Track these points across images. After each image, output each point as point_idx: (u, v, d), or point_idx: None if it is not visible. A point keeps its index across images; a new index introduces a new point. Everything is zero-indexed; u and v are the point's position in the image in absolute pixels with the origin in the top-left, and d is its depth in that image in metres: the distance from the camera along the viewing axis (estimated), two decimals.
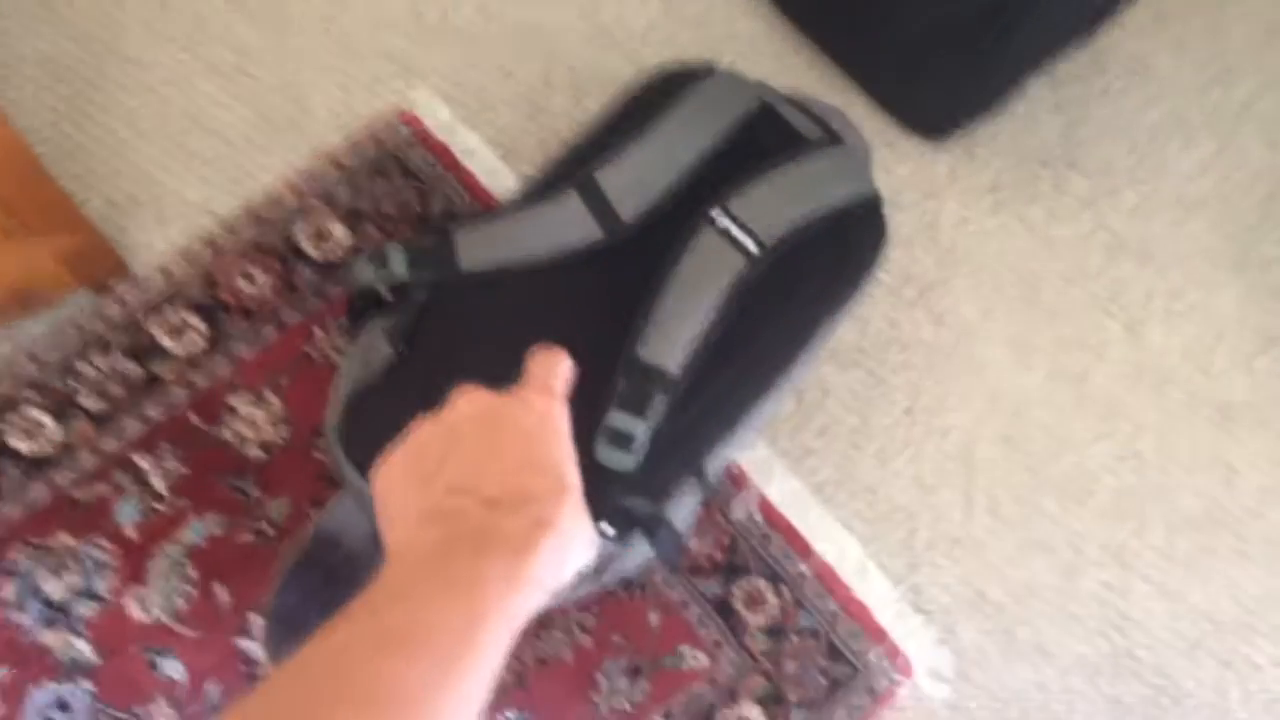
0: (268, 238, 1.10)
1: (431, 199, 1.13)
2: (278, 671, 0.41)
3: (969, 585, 1.05)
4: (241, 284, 1.08)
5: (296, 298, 1.08)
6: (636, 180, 0.86)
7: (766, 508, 1.05)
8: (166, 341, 1.05)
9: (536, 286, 0.85)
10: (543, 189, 0.89)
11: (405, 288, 0.86)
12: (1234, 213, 1.19)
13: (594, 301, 0.84)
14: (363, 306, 0.88)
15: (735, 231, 0.83)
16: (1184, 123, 1.22)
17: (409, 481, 0.50)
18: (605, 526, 0.79)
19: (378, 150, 1.14)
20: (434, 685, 0.41)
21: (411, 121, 1.15)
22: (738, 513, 1.04)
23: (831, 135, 0.94)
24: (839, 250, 0.89)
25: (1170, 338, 1.14)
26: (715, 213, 0.84)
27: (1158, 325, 1.14)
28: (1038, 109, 1.21)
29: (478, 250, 0.86)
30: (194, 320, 1.06)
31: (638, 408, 0.80)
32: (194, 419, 1.04)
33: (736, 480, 1.05)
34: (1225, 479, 1.10)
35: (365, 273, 0.86)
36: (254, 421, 1.04)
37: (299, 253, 1.10)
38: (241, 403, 1.04)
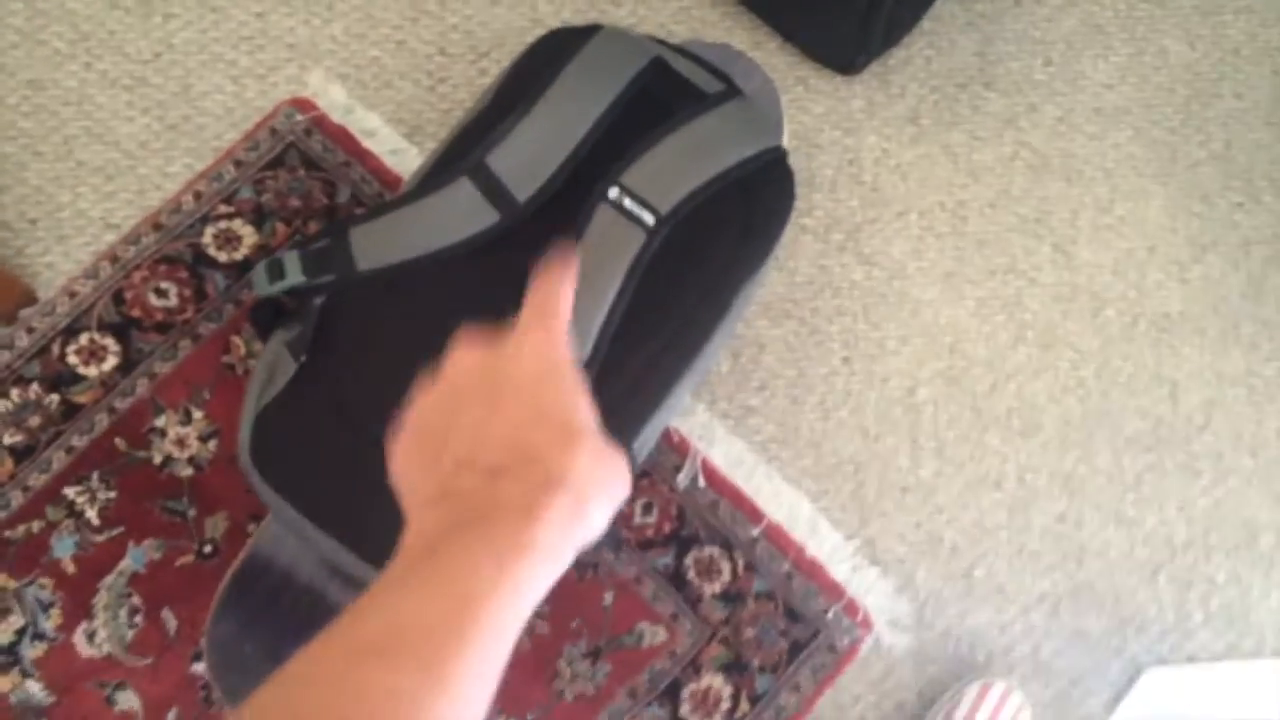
0: (173, 247, 1.05)
1: (337, 187, 1.09)
2: (259, 691, 0.39)
3: (922, 531, 1.05)
4: (152, 298, 1.04)
5: (209, 307, 1.04)
6: (529, 159, 0.83)
7: (711, 473, 1.04)
8: (81, 367, 1.02)
9: (436, 279, 0.82)
10: (435, 176, 0.85)
11: (305, 293, 0.83)
12: (1156, 118, 1.18)
13: (496, 289, 0.81)
14: (266, 318, 0.85)
15: (630, 205, 0.80)
16: (1099, 29, 1.20)
17: (417, 461, 0.48)
18: None
19: (274, 142, 1.09)
20: (420, 691, 0.39)
21: (305, 106, 1.10)
22: (683, 481, 1.03)
23: (730, 86, 0.90)
24: (748, 208, 0.86)
25: (1101, 254, 1.13)
26: (609, 188, 0.81)
27: (1087, 243, 1.13)
28: (950, 28, 1.18)
29: (374, 248, 0.83)
30: (106, 341, 1.03)
31: None
32: (119, 443, 1.01)
33: (678, 448, 1.04)
34: (1169, 396, 1.10)
35: (262, 284, 0.83)
36: (181, 439, 1.01)
37: (207, 259, 1.06)
38: (166, 421, 1.01)
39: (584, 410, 0.48)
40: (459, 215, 0.82)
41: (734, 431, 1.06)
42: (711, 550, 1.02)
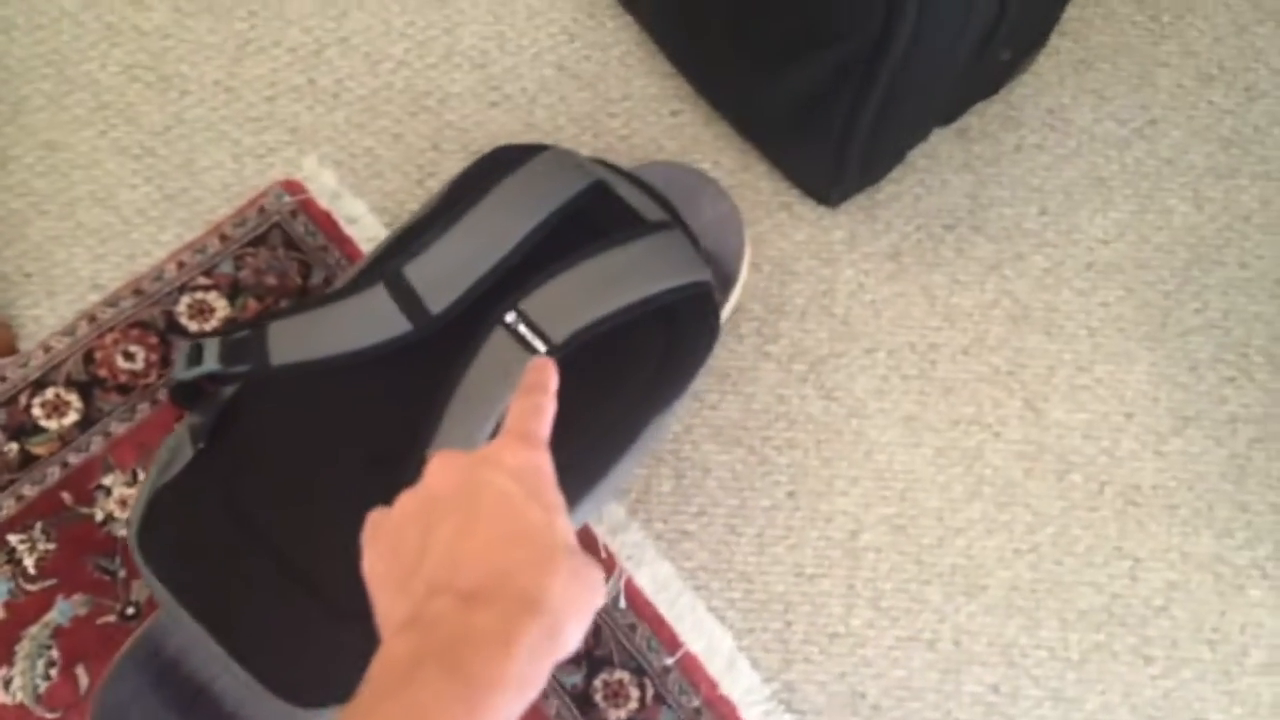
0: (148, 313, 1.10)
1: (312, 269, 1.12)
2: None
3: (845, 684, 1.01)
4: (119, 360, 1.08)
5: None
6: (446, 271, 0.85)
7: (634, 594, 1.02)
8: (44, 419, 1.06)
9: (344, 382, 0.84)
10: (359, 278, 0.87)
11: (220, 381, 0.85)
12: (1151, 279, 1.13)
13: (397, 399, 0.83)
14: (185, 399, 0.87)
15: (524, 330, 0.81)
16: (1101, 182, 1.16)
17: (390, 579, 0.48)
18: None
19: (261, 220, 1.13)
20: None
21: (294, 189, 1.14)
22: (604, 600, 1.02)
23: (672, 215, 0.91)
24: (667, 342, 0.86)
25: (1074, 415, 1.09)
26: (506, 312, 0.82)
27: (1061, 402, 1.09)
28: (944, 167, 1.17)
29: (288, 344, 0.85)
30: (71, 397, 1.07)
31: None
32: (66, 497, 1.04)
33: (605, 565, 1.03)
34: (1128, 572, 1.04)
35: (180, 368, 0.85)
36: (124, 500, 1.04)
37: (178, 327, 1.09)
38: (114, 481, 1.05)
39: (563, 524, 0.48)
40: (373, 321, 0.84)
41: (665, 554, 1.04)
42: (622, 675, 1.00)
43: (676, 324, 0.86)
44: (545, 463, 0.50)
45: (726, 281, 1.03)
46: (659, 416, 0.86)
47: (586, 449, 0.83)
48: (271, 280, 1.11)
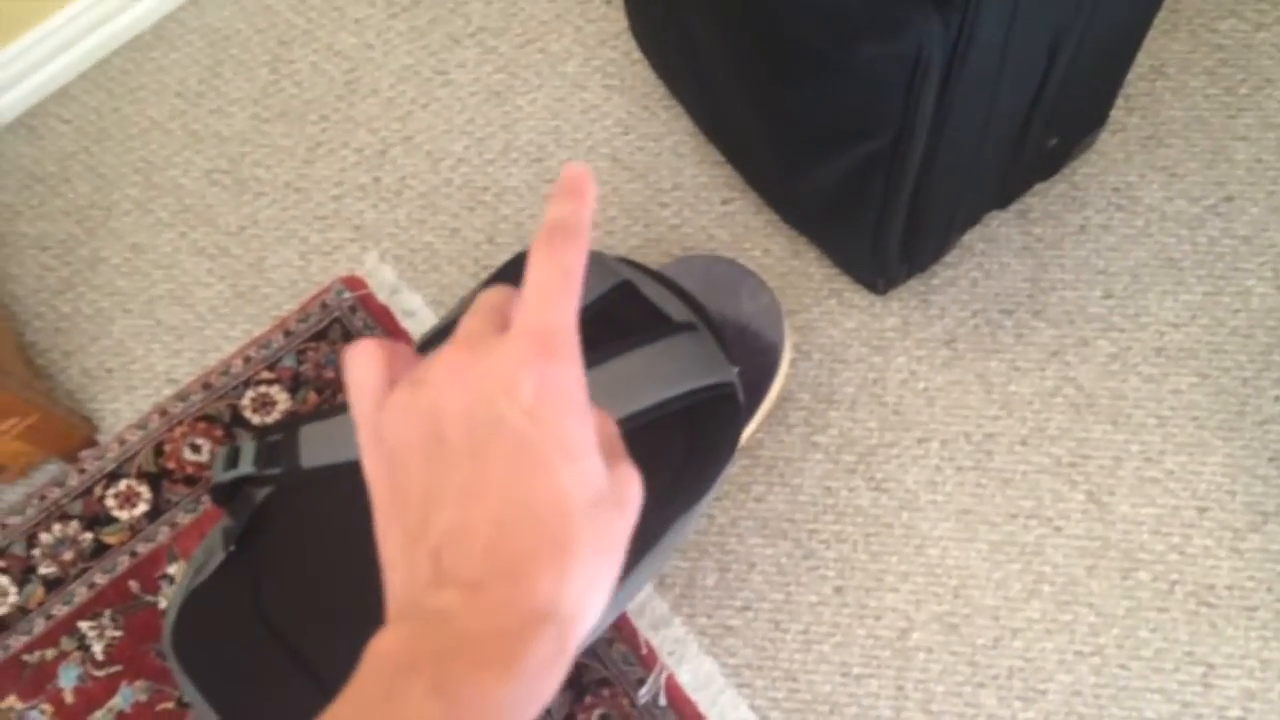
0: (215, 406, 1.15)
1: None
2: None
3: None
4: (187, 452, 1.13)
5: None
6: None
7: (675, 691, 1.01)
8: (116, 510, 1.12)
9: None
10: None
11: (254, 483, 0.88)
12: (1227, 364, 1.07)
13: None
14: (224, 498, 0.91)
15: None
16: (1172, 263, 1.11)
17: (393, 523, 0.41)
18: None
19: (323, 315, 1.18)
20: None
21: (355, 285, 1.19)
22: (644, 696, 1.01)
23: (700, 313, 0.90)
24: (688, 444, 0.85)
25: (1141, 509, 1.03)
26: None
27: (1128, 495, 1.04)
28: (1003, 250, 1.13)
29: (319, 447, 0.87)
30: (142, 488, 1.12)
31: None
32: (133, 585, 1.09)
33: (645, 660, 1.02)
34: (1201, 679, 0.98)
35: (218, 470, 0.89)
36: None
37: (242, 420, 1.14)
38: (178, 570, 1.09)
39: (587, 472, 0.39)
40: None
41: (708, 650, 1.02)
42: None
43: (697, 425, 0.85)
44: (570, 376, 0.39)
45: (766, 374, 1.02)
46: (680, 520, 0.85)
47: None
48: (330, 374, 1.15)
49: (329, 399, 1.14)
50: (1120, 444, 1.06)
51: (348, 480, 0.85)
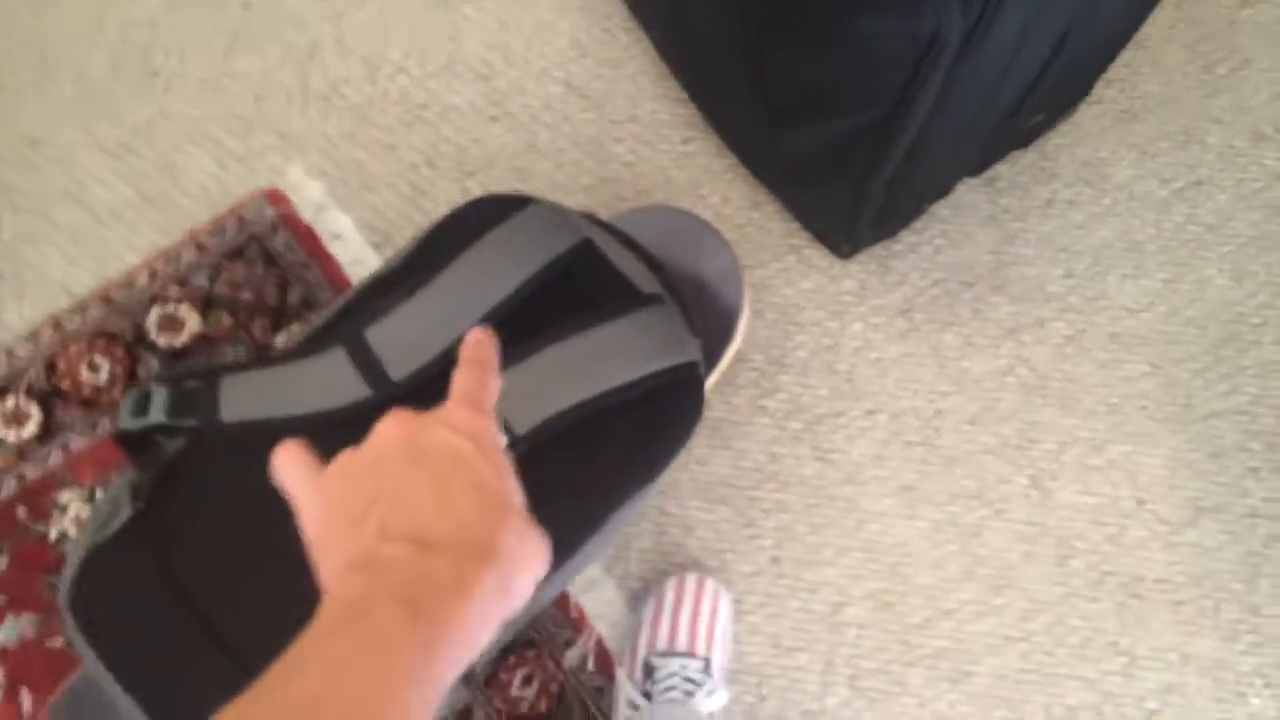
0: (116, 323, 1.05)
1: (290, 287, 1.06)
2: None
3: None
4: (84, 371, 1.03)
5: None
6: (411, 337, 0.79)
7: (603, 656, 0.98)
8: (2, 430, 1.02)
9: None
10: (321, 336, 0.81)
11: (165, 434, 0.80)
12: (1179, 355, 1.06)
13: None
14: (132, 445, 0.82)
15: None
16: (1135, 246, 1.09)
17: (338, 524, 0.46)
18: None
19: (240, 231, 1.08)
20: None
21: (277, 200, 1.09)
22: (572, 660, 0.97)
23: (663, 277, 0.84)
24: (643, 427, 0.80)
25: (1082, 497, 1.02)
26: None
27: (1070, 482, 1.03)
28: (969, 219, 1.09)
29: (241, 400, 0.79)
30: (31, 408, 1.02)
31: None
32: (20, 513, 1.00)
33: (575, 624, 0.98)
34: (1123, 669, 0.99)
35: (125, 416, 0.80)
36: (79, 519, 1.00)
37: (146, 341, 1.05)
38: (70, 498, 1.01)
39: (513, 486, 0.48)
40: (330, 384, 0.78)
41: (638, 611, 0.99)
42: None
43: (655, 405, 0.80)
44: (493, 430, 0.50)
45: (722, 338, 0.97)
46: (629, 501, 0.80)
47: (555, 525, 0.77)
48: (247, 296, 1.06)
49: (243, 323, 1.05)
50: (1067, 429, 1.04)
51: (270, 440, 0.79)
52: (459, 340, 0.78)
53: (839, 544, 1.01)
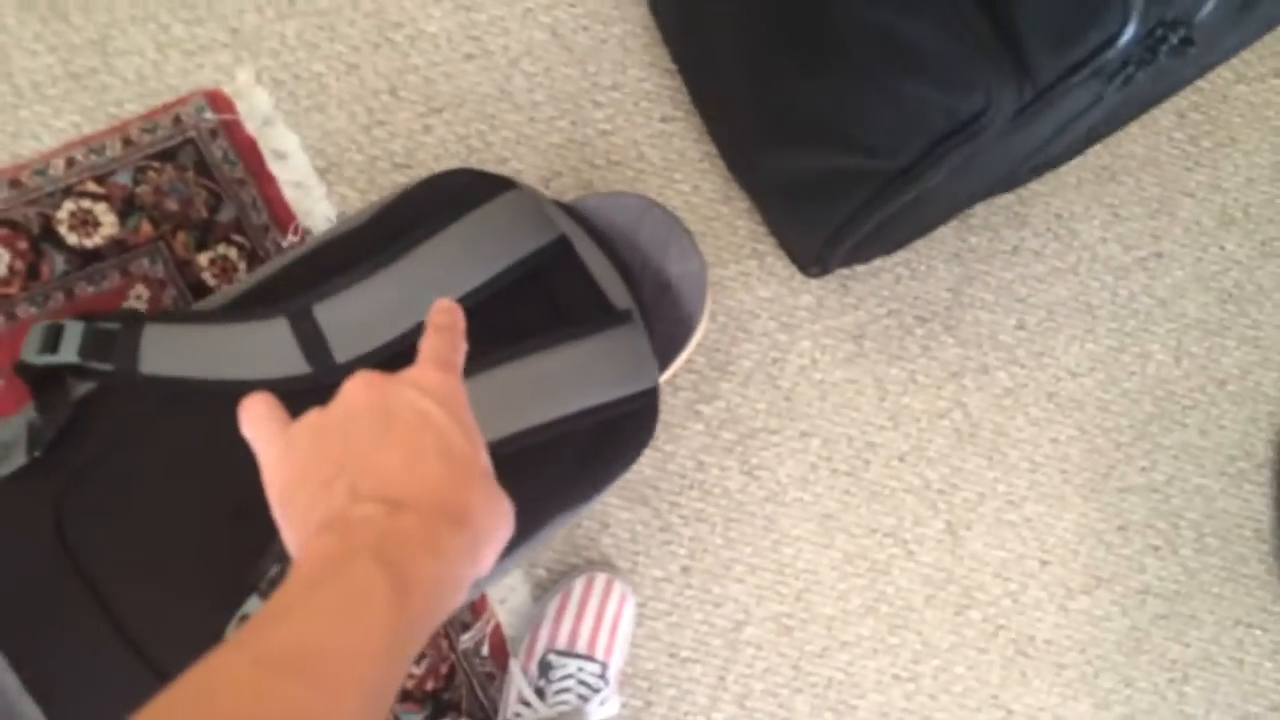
0: (22, 211, 0.95)
1: (223, 204, 0.98)
2: (150, 703, 0.37)
3: None
4: None
5: (38, 289, 0.95)
6: (363, 320, 0.73)
7: (497, 646, 0.96)
8: None
9: (218, 414, 0.73)
10: (262, 297, 0.75)
11: (74, 375, 0.74)
12: (1108, 425, 1.07)
13: None
14: (32, 385, 0.75)
15: None
16: (1089, 309, 1.09)
17: (307, 486, 0.46)
18: None
19: (174, 132, 0.99)
20: (326, 709, 0.38)
21: (220, 104, 1.00)
22: (466, 643, 0.96)
23: (635, 297, 0.80)
24: (598, 443, 0.77)
25: (992, 550, 1.04)
26: None
27: (982, 534, 1.04)
28: (935, 253, 1.07)
29: (164, 354, 0.73)
30: None
31: None
32: None
33: (475, 607, 0.96)
34: None
35: (30, 349, 0.73)
36: None
37: (54, 236, 0.96)
38: None
39: (481, 450, 0.48)
40: (266, 354, 0.73)
41: (540, 603, 0.98)
42: None
43: (611, 427, 0.77)
44: (462, 391, 0.50)
45: (674, 345, 0.94)
46: (562, 516, 0.78)
47: None
48: (172, 205, 0.98)
49: (165, 235, 0.97)
50: (989, 481, 1.05)
51: (191, 403, 0.73)
52: (414, 330, 0.74)
53: (751, 562, 1.01)
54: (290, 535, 0.46)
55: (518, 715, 0.92)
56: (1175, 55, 0.60)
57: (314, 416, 0.48)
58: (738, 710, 0.99)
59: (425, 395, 0.48)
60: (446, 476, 0.46)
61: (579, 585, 0.96)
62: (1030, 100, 0.65)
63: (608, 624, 0.94)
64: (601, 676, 0.93)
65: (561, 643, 0.94)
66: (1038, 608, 1.04)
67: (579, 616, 0.94)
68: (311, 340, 0.73)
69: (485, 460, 0.49)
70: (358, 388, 0.48)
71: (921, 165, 0.74)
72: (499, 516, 0.48)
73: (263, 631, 0.40)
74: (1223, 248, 1.11)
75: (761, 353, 1.04)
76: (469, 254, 0.76)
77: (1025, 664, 1.03)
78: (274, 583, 0.69)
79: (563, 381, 0.74)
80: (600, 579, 0.96)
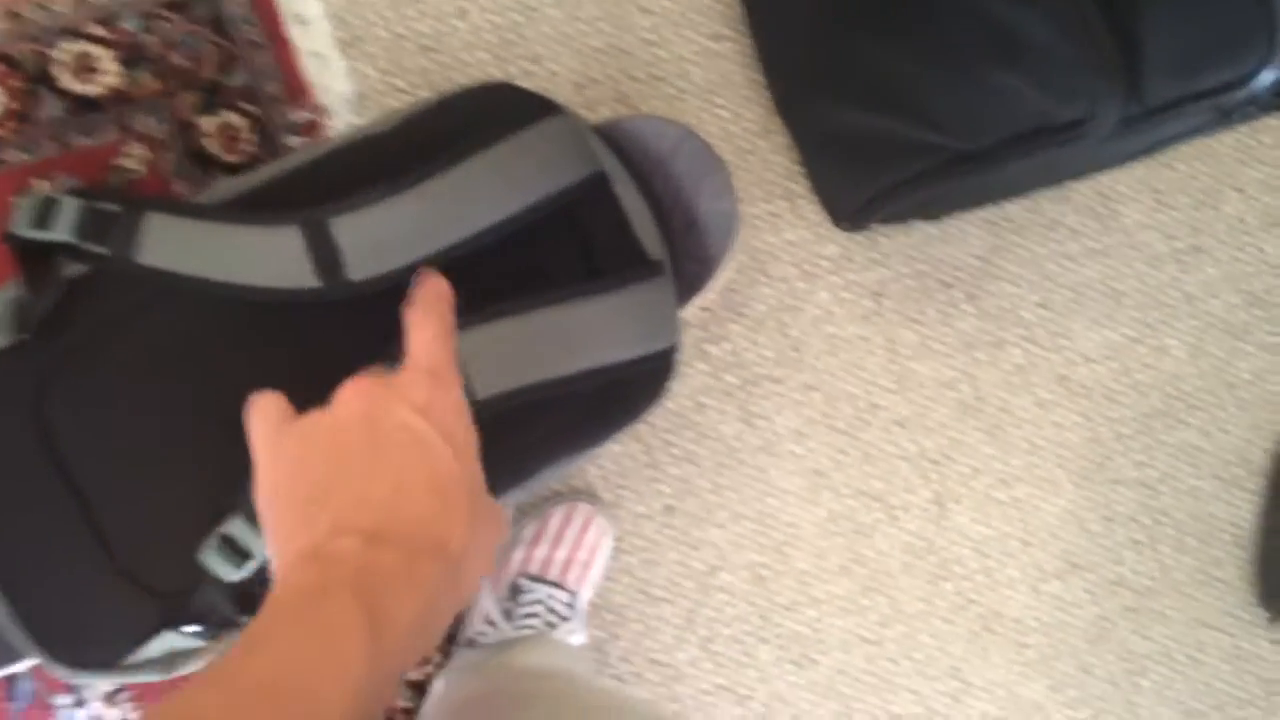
0: (19, 48, 0.89)
1: (235, 67, 0.92)
2: None
3: None
4: None
5: (29, 134, 0.89)
6: (382, 238, 0.69)
7: None
8: None
9: (216, 318, 0.69)
10: (271, 198, 0.70)
11: (67, 255, 0.69)
12: (1113, 416, 1.06)
13: (277, 364, 0.69)
14: (21, 258, 0.70)
15: None
16: (1115, 294, 1.05)
17: (290, 507, 0.46)
18: (194, 630, 0.69)
19: None
20: None
21: None
22: None
23: (668, 243, 0.76)
24: (609, 395, 0.74)
25: (976, 526, 1.03)
26: None
27: (969, 509, 1.03)
28: (970, 218, 1.03)
29: (165, 247, 0.69)
30: None
31: None
32: None
33: None
34: (954, 693, 1.03)
35: (22, 221, 0.68)
36: None
37: (50, 79, 0.89)
38: None
39: (470, 466, 0.48)
40: (275, 261, 0.68)
41: (513, 523, 0.96)
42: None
43: (625, 382, 0.74)
44: (456, 396, 0.49)
45: (691, 285, 0.90)
46: (569, 460, 0.75)
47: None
48: (180, 60, 0.91)
49: (170, 92, 0.91)
50: (985, 457, 1.04)
51: (188, 303, 0.69)
52: (438, 256, 0.70)
53: (735, 509, 1.00)
54: (269, 544, 0.47)
55: (481, 634, 0.92)
56: None
57: (306, 425, 0.48)
58: (700, 653, 0.99)
59: (417, 413, 0.47)
60: (432, 509, 0.46)
61: (559, 514, 0.94)
62: (1136, 117, 0.60)
63: (583, 556, 0.93)
64: (570, 605, 0.92)
65: (534, 568, 0.93)
66: (1010, 586, 1.04)
67: (555, 545, 0.93)
68: (325, 254, 0.68)
69: (476, 474, 0.48)
70: (351, 399, 0.48)
71: (1000, 154, 0.69)
72: (486, 536, 0.48)
73: (236, 664, 0.40)
74: (1261, 249, 1.08)
75: (778, 298, 1.00)
76: (503, 182, 0.71)
77: (989, 639, 1.04)
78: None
79: (583, 338, 0.70)
80: (582, 510, 0.94)
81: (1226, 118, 0.60)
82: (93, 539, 0.69)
